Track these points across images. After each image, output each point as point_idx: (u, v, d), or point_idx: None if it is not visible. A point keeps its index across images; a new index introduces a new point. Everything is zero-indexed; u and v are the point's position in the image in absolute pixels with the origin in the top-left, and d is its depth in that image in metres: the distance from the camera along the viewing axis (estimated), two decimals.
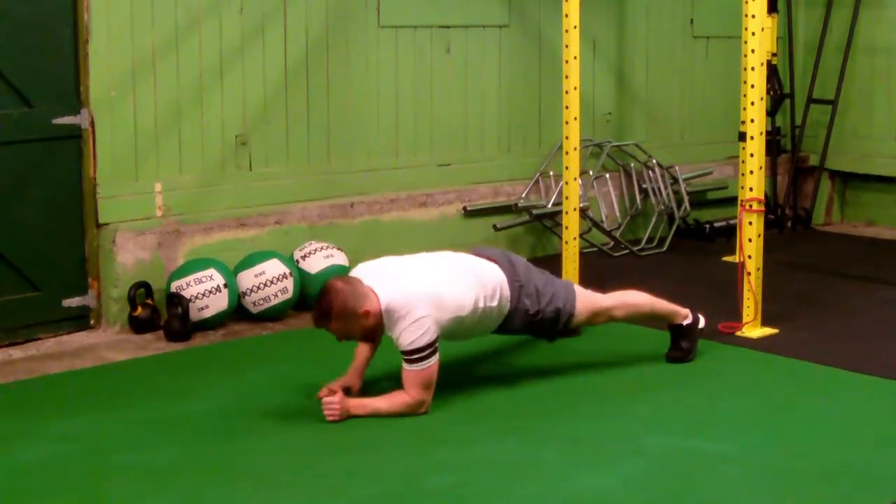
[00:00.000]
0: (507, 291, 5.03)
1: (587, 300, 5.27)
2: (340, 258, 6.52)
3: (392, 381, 4.93)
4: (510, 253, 5.28)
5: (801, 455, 4.35)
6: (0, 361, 5.62)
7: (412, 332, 4.66)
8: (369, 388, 5.01)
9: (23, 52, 5.81)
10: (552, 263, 7.02)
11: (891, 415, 4.82)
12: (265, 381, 5.23)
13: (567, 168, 6.66)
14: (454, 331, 4.89)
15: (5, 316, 5.85)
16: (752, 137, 5.81)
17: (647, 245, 8.00)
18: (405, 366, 4.72)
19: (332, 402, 4.68)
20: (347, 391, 4.93)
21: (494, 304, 4.99)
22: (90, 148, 6.04)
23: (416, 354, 4.68)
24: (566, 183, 6.69)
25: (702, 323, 5.52)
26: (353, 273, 4.93)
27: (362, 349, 5.06)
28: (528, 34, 7.76)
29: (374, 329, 4.76)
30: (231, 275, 6.19)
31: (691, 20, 8.62)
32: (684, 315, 5.46)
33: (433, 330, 4.70)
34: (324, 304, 4.68)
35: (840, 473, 4.18)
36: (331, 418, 4.65)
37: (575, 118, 6.58)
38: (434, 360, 4.72)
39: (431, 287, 4.78)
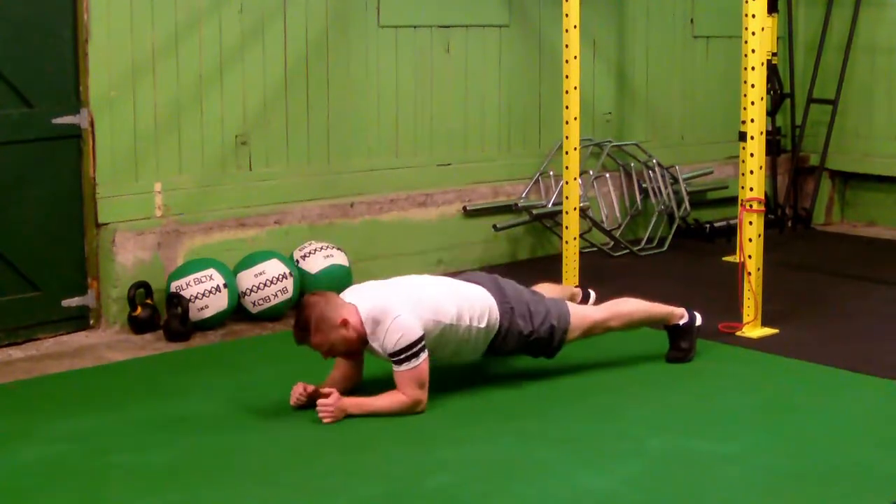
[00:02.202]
0: (495, 313, 5.02)
1: (580, 315, 5.25)
2: (340, 258, 6.52)
3: (392, 382, 4.93)
4: (498, 276, 5.27)
5: (801, 455, 4.35)
6: (0, 361, 5.62)
7: (395, 331, 4.67)
8: (369, 388, 5.01)
9: (23, 52, 5.81)
10: (552, 263, 7.03)
11: (891, 415, 4.82)
12: (265, 381, 5.23)
13: (567, 168, 6.66)
14: (438, 341, 4.86)
15: (5, 316, 5.85)
16: (752, 137, 5.80)
17: (647, 245, 8.00)
18: (395, 368, 4.72)
19: (327, 403, 4.67)
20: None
21: (483, 325, 4.97)
22: (90, 148, 6.04)
23: (404, 354, 4.68)
24: (566, 183, 6.69)
25: (698, 320, 5.51)
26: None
27: (339, 377, 4.99)
28: (528, 34, 7.76)
29: (356, 341, 4.75)
30: (231, 275, 6.19)
31: (691, 20, 8.62)
32: (680, 315, 5.46)
33: (416, 327, 4.70)
34: (301, 319, 4.70)
35: (840, 473, 4.18)
36: (326, 420, 4.65)
37: (575, 118, 6.58)
38: (423, 357, 4.71)
39: (410, 292, 4.83)
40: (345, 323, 4.69)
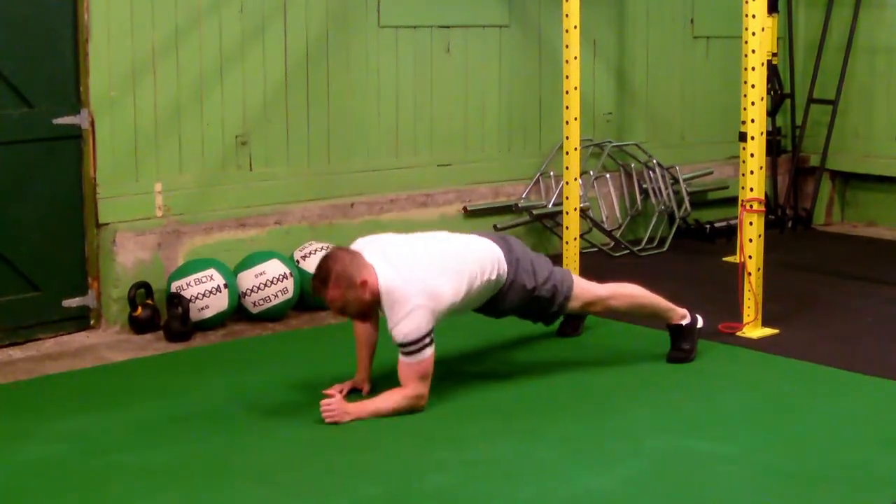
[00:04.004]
0: (503, 265, 5.05)
1: (584, 287, 5.30)
2: None
3: (394, 382, 4.92)
4: (506, 235, 5.29)
5: (801, 455, 4.35)
6: (0, 361, 5.62)
7: (408, 323, 4.66)
8: (374, 386, 5.01)
9: (23, 52, 5.81)
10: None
11: (891, 415, 4.82)
12: (265, 381, 5.23)
13: (567, 168, 6.66)
14: (451, 310, 4.90)
15: (5, 316, 5.85)
16: (752, 137, 5.81)
17: (647, 245, 8.00)
18: (401, 357, 4.73)
19: (329, 404, 4.68)
20: (355, 392, 4.96)
21: (493, 277, 5.01)
22: (90, 148, 6.04)
23: (412, 346, 4.68)
24: (566, 183, 6.69)
25: (700, 323, 5.52)
26: (354, 247, 4.94)
27: (362, 345, 5.04)
28: (528, 34, 7.76)
29: (370, 305, 4.77)
30: (231, 275, 6.19)
31: (691, 20, 8.62)
32: (682, 315, 5.46)
33: (429, 322, 4.70)
34: (323, 269, 4.72)
35: (840, 474, 4.18)
36: (329, 420, 4.65)
37: (575, 118, 6.58)
38: (429, 351, 4.72)
39: (430, 278, 4.78)
40: (364, 284, 4.70)
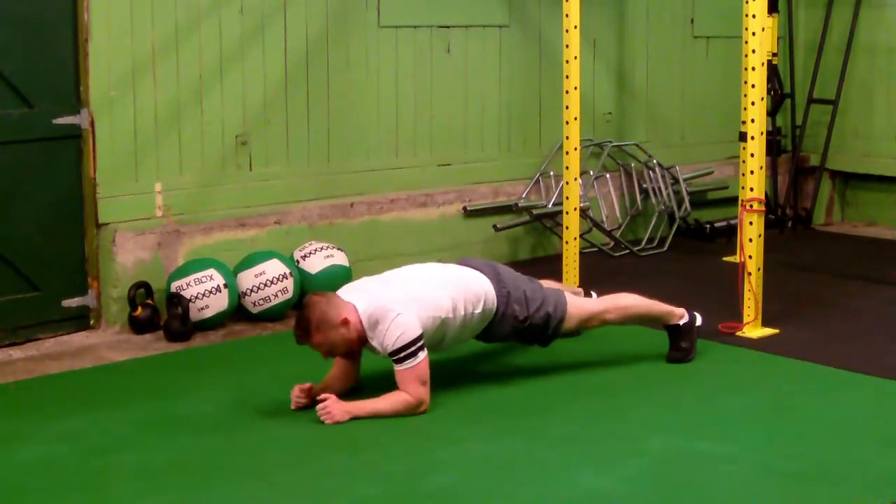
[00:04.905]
0: (492, 297, 5.03)
1: (577, 305, 5.27)
2: (340, 258, 6.52)
3: (391, 381, 4.93)
4: (496, 263, 5.29)
5: (801, 455, 4.35)
6: (0, 361, 5.62)
7: (393, 331, 4.68)
8: (368, 388, 5.01)
9: (23, 52, 5.81)
10: (552, 263, 7.03)
11: (891, 415, 4.82)
12: (265, 381, 5.23)
13: (567, 168, 6.66)
14: (437, 334, 4.88)
15: (5, 316, 5.85)
16: (752, 137, 5.81)
17: (647, 245, 8.00)
18: (396, 367, 4.73)
19: (325, 407, 4.67)
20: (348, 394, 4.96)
21: (478, 310, 4.99)
22: (90, 148, 6.04)
23: (403, 352, 4.69)
24: (566, 183, 6.69)
25: (699, 321, 5.52)
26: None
27: (339, 369, 5.02)
28: (528, 34, 7.76)
29: (356, 341, 4.77)
30: (231, 275, 6.19)
31: (691, 20, 8.62)
32: (680, 315, 5.46)
33: (415, 326, 4.71)
34: (302, 319, 4.72)
35: (840, 473, 4.18)
36: (327, 421, 4.65)
37: (575, 118, 6.58)
38: (423, 355, 4.72)
39: (407, 289, 4.84)
40: (345, 322, 4.70)
